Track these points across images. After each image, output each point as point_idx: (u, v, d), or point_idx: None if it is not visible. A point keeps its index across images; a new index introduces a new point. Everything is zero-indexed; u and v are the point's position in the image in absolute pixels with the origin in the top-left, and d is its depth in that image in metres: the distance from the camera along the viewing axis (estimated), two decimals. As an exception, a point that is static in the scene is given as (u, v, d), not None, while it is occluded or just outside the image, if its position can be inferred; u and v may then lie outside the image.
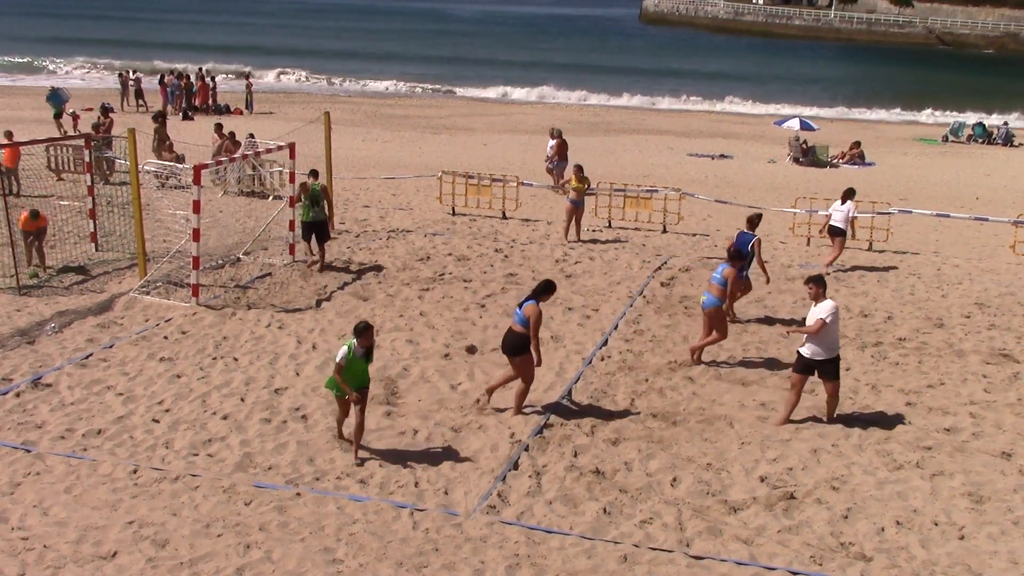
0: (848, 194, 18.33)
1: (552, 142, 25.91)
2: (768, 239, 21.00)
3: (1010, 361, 13.53)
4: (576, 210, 19.83)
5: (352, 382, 10.04)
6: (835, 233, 18.20)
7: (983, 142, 41.98)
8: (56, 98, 34.00)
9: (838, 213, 18.15)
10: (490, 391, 11.48)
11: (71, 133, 31.20)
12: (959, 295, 16.83)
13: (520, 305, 10.89)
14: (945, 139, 42.72)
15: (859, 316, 15.44)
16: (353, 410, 10.14)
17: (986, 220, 21.73)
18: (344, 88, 57.50)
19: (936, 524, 9.16)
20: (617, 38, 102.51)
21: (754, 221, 15.08)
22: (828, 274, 17.47)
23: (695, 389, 12.25)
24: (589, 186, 19.87)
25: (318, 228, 17.02)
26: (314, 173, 17.29)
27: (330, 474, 9.82)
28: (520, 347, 10.82)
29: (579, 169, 19.79)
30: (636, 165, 31.19)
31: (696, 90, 59.21)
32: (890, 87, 67.65)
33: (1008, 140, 41.84)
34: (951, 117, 49.14)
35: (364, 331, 9.99)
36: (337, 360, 9.95)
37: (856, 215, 18.65)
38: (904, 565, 8.48)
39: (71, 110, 33.18)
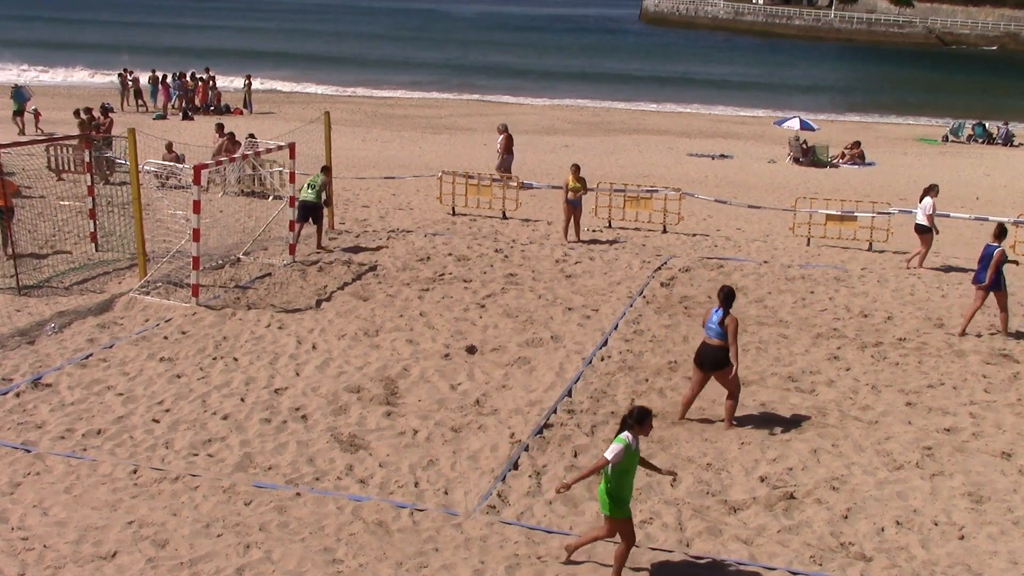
0: (928, 190, 18.44)
1: (500, 138, 25.75)
2: (768, 239, 21.03)
3: (1010, 361, 13.53)
4: (574, 210, 19.77)
5: (627, 489, 7.98)
6: (920, 231, 18.41)
7: (983, 142, 41.98)
8: (19, 95, 34.75)
9: (919, 211, 18.34)
10: (729, 417, 11.23)
11: (30, 130, 33.04)
12: (959, 295, 16.81)
13: (714, 321, 10.82)
14: (945, 139, 42.71)
15: (859, 316, 15.43)
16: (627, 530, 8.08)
17: (986, 220, 21.72)
18: (341, 89, 57.12)
19: (936, 524, 9.16)
20: (617, 38, 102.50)
21: (998, 233, 14.62)
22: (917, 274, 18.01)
23: (695, 389, 12.24)
24: (585, 186, 19.69)
25: (316, 210, 18.27)
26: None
27: (330, 474, 9.81)
28: (724, 360, 10.84)
29: (576, 168, 19.68)
30: (636, 165, 31.19)
31: (696, 91, 59.13)
32: (890, 87, 67.67)
33: (1008, 140, 41.84)
34: (951, 117, 49.12)
35: (647, 417, 7.99)
36: (610, 458, 7.81)
37: (933, 213, 18.35)
38: (904, 565, 8.48)
39: (32, 107, 34.23)
